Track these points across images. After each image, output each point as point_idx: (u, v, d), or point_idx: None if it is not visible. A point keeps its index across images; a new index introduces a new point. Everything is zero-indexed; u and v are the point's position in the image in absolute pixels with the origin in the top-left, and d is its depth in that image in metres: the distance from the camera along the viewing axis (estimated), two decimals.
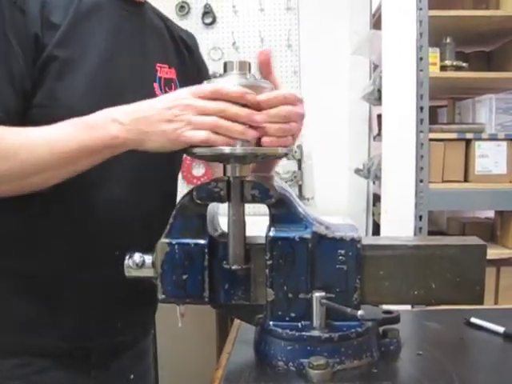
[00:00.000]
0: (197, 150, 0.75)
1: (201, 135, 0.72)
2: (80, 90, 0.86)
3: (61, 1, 0.86)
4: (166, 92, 0.99)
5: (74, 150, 0.76)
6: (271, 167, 1.01)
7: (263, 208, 0.81)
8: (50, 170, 0.78)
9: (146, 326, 1.11)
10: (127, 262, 0.84)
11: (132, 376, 1.04)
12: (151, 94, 0.92)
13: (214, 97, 0.72)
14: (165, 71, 1.01)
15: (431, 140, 1.85)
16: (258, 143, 0.74)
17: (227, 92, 0.72)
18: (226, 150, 0.73)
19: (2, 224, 0.88)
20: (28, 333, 0.89)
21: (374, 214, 2.49)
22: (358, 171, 2.32)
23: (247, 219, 0.80)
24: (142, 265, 0.83)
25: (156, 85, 0.98)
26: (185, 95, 0.74)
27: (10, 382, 0.87)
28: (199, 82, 0.87)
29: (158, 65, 1.00)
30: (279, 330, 0.80)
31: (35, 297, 0.88)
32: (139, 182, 0.93)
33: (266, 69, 0.81)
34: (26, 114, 0.83)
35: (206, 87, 0.74)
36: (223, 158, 0.77)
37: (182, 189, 0.93)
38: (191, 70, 1.11)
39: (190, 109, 0.72)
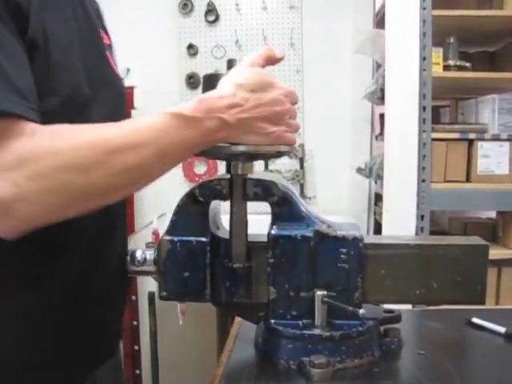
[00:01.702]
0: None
1: (294, 138, 0.75)
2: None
3: None
4: (114, 61, 0.89)
5: (178, 147, 0.69)
6: None
7: (265, 206, 0.81)
8: (154, 174, 0.70)
9: (119, 332, 0.97)
10: (129, 259, 0.84)
11: None
12: (108, 67, 0.85)
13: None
14: (105, 38, 0.89)
15: (434, 140, 1.84)
16: None
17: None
18: (233, 148, 0.73)
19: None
20: None
21: (375, 214, 2.49)
22: (359, 170, 2.32)
23: (249, 217, 0.80)
24: (144, 262, 0.83)
25: (107, 53, 0.86)
26: (281, 91, 0.73)
27: None
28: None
29: (100, 31, 0.87)
30: (280, 328, 0.80)
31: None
32: None
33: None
34: None
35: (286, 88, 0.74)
36: (226, 156, 0.77)
37: (184, 186, 0.93)
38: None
39: (289, 112, 0.74)
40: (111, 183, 0.66)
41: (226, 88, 0.71)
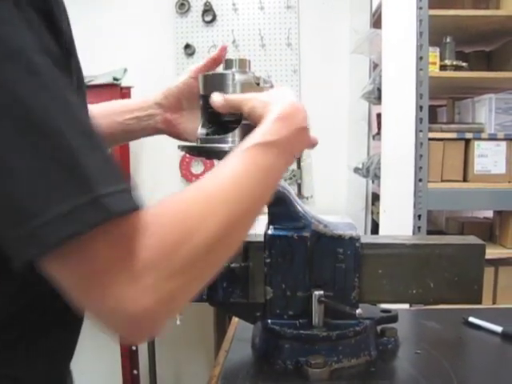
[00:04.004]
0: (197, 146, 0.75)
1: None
2: None
3: None
4: None
5: (277, 176, 0.68)
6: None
7: None
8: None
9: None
10: None
11: None
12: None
13: None
14: None
15: (430, 139, 1.85)
16: None
17: None
18: (226, 147, 0.73)
19: None
20: None
21: (373, 213, 2.49)
22: (357, 170, 2.32)
23: None
24: None
25: None
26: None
27: None
28: None
29: None
30: (277, 328, 0.80)
31: None
32: None
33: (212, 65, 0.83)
34: None
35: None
36: (221, 155, 0.77)
37: (181, 187, 0.93)
38: None
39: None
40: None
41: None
